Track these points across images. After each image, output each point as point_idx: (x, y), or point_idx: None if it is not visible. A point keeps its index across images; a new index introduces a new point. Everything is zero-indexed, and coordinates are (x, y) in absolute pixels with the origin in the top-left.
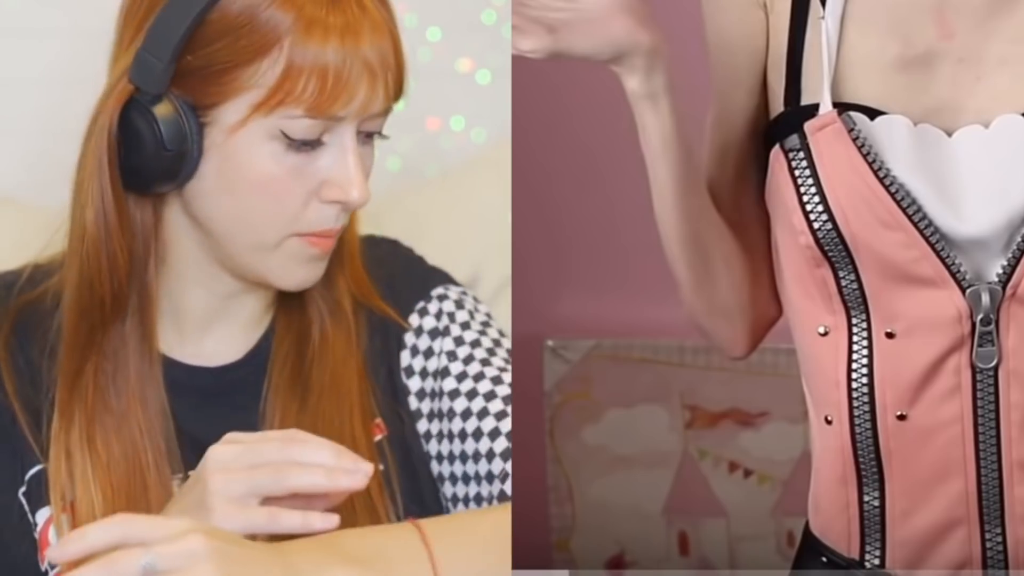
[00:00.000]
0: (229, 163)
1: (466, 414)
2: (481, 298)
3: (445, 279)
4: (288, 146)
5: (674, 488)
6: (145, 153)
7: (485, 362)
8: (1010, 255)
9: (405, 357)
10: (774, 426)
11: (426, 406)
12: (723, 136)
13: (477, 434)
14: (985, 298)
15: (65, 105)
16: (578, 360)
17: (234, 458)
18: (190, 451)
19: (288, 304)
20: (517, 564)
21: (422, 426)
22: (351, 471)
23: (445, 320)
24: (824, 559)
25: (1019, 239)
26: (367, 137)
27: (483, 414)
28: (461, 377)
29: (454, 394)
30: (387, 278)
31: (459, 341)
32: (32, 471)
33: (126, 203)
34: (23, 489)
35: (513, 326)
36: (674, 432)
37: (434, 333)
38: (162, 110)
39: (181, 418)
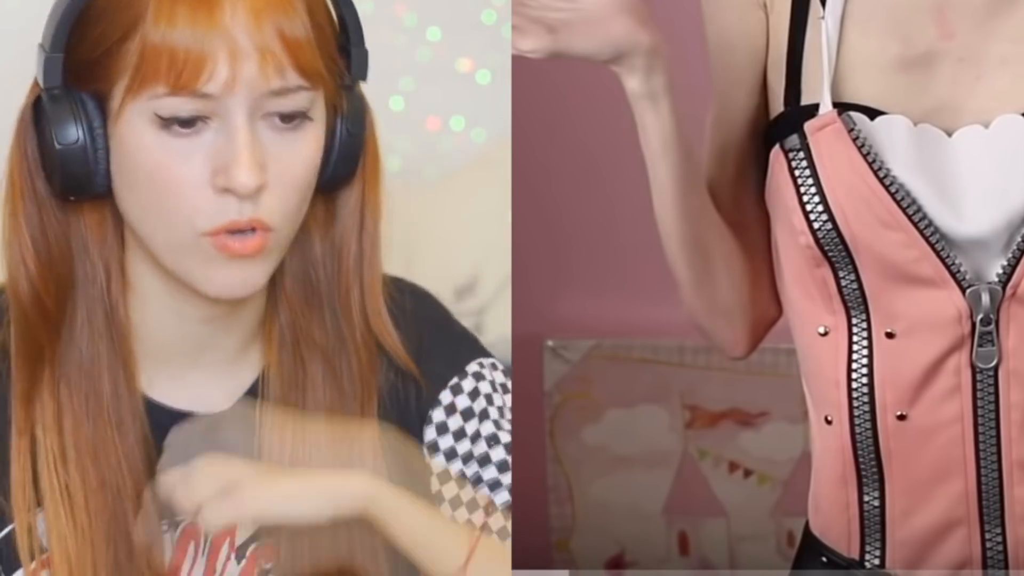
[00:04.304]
0: (120, 154)
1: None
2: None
3: (477, 350)
4: (163, 127)
5: (674, 488)
6: (47, 153)
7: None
8: (1010, 255)
9: (429, 432)
10: (774, 426)
11: (449, 490)
12: (723, 136)
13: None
14: (985, 298)
15: None
16: (578, 360)
17: None
18: None
19: (279, 336)
20: (517, 564)
21: (444, 511)
22: None
23: (483, 402)
24: (824, 559)
25: (1019, 239)
26: (284, 120)
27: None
28: (502, 467)
29: (494, 485)
30: (415, 337)
31: (497, 427)
32: (3, 532)
33: (41, 208)
34: None
35: (513, 326)
36: (674, 432)
37: (468, 414)
38: (54, 104)
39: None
